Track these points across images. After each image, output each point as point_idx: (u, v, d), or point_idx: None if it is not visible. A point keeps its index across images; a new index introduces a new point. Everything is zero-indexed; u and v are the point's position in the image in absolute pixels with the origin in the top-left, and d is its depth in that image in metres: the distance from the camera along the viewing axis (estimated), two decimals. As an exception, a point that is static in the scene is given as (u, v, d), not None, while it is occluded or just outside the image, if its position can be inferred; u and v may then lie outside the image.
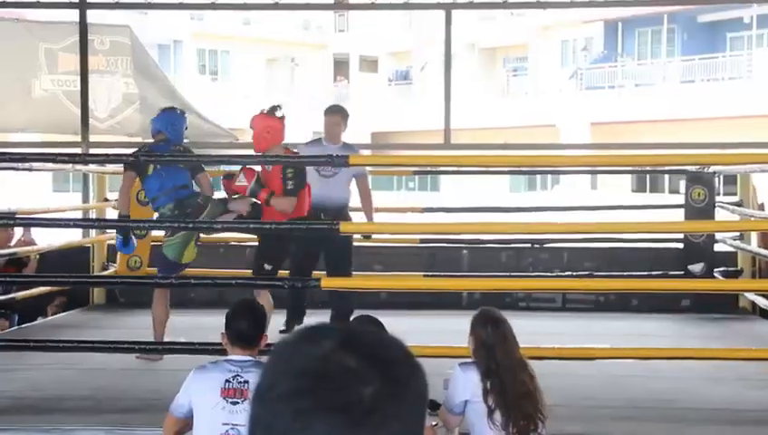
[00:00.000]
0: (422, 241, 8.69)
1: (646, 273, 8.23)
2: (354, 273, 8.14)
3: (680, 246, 8.58)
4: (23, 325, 7.88)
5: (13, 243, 8.31)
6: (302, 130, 30.68)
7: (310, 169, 7.03)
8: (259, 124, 6.38)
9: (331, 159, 5.44)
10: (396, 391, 1.05)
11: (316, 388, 1.03)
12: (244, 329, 3.56)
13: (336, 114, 7.22)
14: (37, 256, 8.13)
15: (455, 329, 5.16)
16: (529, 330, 4.91)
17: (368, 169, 7.50)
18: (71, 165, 7.97)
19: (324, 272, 6.95)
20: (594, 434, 4.94)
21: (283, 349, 1.09)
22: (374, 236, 7.83)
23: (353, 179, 7.18)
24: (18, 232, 8.43)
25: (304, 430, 1.01)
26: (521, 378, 3.75)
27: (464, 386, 3.81)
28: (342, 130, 7.17)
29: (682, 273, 8.26)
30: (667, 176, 21.95)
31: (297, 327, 1.13)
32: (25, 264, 8.19)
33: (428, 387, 1.11)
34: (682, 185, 8.85)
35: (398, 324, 3.67)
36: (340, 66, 37.54)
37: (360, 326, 1.14)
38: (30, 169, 8.32)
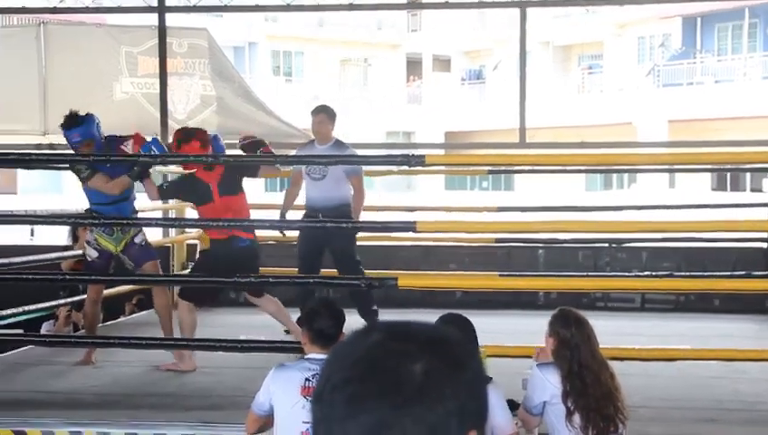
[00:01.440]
0: (497, 240, 8.64)
1: (728, 273, 8.07)
2: (430, 272, 8.16)
3: (764, 245, 8.39)
4: (106, 323, 8.05)
5: None
6: (374, 130, 30.84)
7: (302, 173, 7.04)
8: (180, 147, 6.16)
9: (408, 158, 5.40)
10: (448, 368, 1.05)
11: (366, 373, 1.03)
12: (326, 328, 3.58)
13: (320, 113, 7.11)
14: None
15: (531, 329, 5.13)
16: (607, 330, 4.86)
17: (442, 167, 7.44)
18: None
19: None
20: (676, 436, 4.86)
21: (339, 347, 1.11)
22: (449, 235, 7.80)
23: (347, 178, 7.07)
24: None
25: (359, 417, 1.02)
26: (603, 378, 3.71)
27: (542, 387, 3.78)
28: (330, 129, 7.07)
29: (766, 273, 8.08)
30: (748, 174, 21.48)
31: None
32: None
33: (484, 370, 1.11)
34: (765, 183, 8.64)
35: (474, 324, 3.67)
36: (414, 66, 37.54)
37: (413, 321, 1.14)
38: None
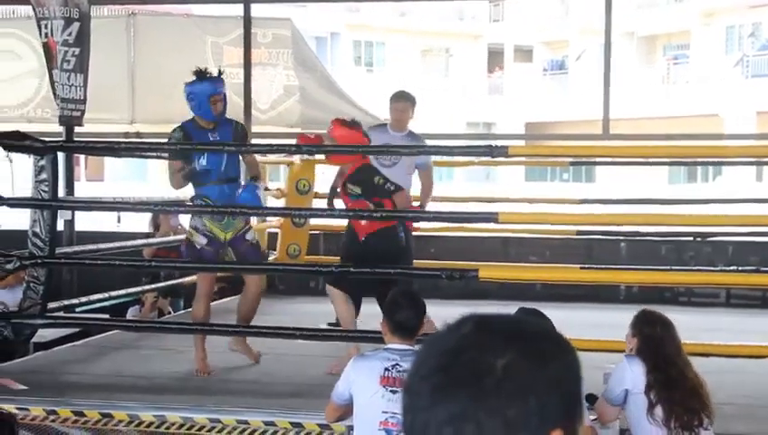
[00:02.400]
0: (579, 233, 8.55)
1: (817, 269, 7.85)
2: (511, 264, 8.13)
3: None
4: (189, 309, 8.19)
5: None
6: (455, 120, 30.73)
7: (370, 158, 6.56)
8: (343, 137, 5.72)
9: (491, 149, 5.37)
10: (531, 364, 1.03)
11: (450, 364, 1.04)
12: (407, 319, 3.59)
13: (404, 100, 6.85)
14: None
15: (612, 322, 5.08)
16: (691, 325, 4.79)
17: (524, 158, 7.32)
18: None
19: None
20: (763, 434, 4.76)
21: (430, 338, 1.11)
22: (529, 226, 7.73)
23: (415, 170, 6.89)
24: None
25: (440, 406, 1.02)
26: (689, 374, 3.67)
27: (627, 376, 3.76)
28: (410, 118, 6.85)
29: None
30: (839, 167, 20.86)
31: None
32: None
33: (579, 367, 1.07)
34: None
35: (553, 317, 3.64)
36: (495, 56, 37.30)
37: (504, 314, 1.13)
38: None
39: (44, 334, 6.51)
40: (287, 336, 5.79)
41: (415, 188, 7.21)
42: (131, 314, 8.29)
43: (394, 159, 6.69)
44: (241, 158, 6.13)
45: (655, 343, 3.73)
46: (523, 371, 1.02)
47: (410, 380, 1.07)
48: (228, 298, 8.22)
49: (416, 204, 7.12)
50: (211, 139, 5.81)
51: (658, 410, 3.65)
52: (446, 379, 1.03)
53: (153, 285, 8.08)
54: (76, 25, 7.35)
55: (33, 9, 7.45)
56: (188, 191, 6.24)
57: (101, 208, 7.13)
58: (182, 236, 8.18)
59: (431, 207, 7.25)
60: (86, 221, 8.97)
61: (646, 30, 33.11)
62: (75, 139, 7.60)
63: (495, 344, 1.04)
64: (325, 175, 8.56)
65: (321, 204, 7.68)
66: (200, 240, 5.87)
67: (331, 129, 5.80)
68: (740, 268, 7.94)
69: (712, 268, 8.05)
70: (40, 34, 7.47)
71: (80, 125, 7.76)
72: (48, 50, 7.37)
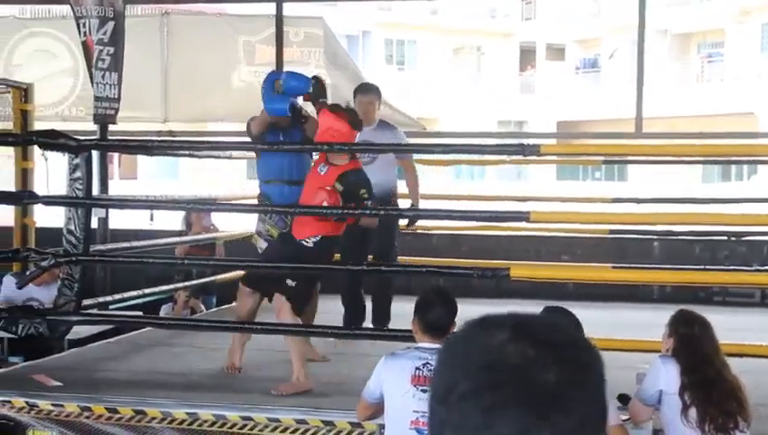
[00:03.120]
0: (611, 232, 8.49)
1: None
2: (542, 263, 8.09)
3: None
4: (221, 307, 8.24)
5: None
6: (486, 119, 30.65)
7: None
8: (323, 123, 5.39)
9: (523, 148, 5.33)
10: (578, 374, 1.03)
11: (500, 382, 1.01)
12: (438, 318, 3.58)
13: (372, 93, 6.61)
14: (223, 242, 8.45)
15: (645, 322, 5.05)
16: (726, 325, 4.73)
17: (556, 156, 7.16)
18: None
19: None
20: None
21: (456, 344, 1.07)
22: (560, 225, 7.70)
23: (396, 161, 6.67)
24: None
25: (495, 427, 0.99)
26: (727, 377, 3.64)
27: (662, 377, 3.72)
28: (376, 110, 6.60)
29: None
30: None
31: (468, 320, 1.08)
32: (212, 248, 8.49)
33: (604, 367, 1.07)
34: None
35: (585, 317, 3.61)
36: (527, 54, 37.17)
37: (529, 314, 1.11)
38: (230, 157, 8.69)
39: (79, 331, 6.56)
40: (319, 334, 5.80)
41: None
42: (164, 311, 8.35)
43: (372, 155, 6.38)
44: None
45: (692, 344, 3.69)
46: (572, 384, 1.02)
47: (445, 394, 1.03)
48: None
49: (403, 202, 6.98)
50: (281, 138, 5.80)
51: (693, 412, 3.61)
52: (498, 398, 1.00)
53: (186, 283, 8.14)
54: (111, 24, 7.41)
55: (72, 8, 7.52)
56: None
57: (135, 207, 7.17)
58: (214, 235, 8.28)
59: (462, 205, 7.22)
60: (119, 219, 9.04)
61: (680, 28, 32.85)
62: (109, 137, 7.65)
63: (542, 358, 1.02)
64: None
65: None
66: (261, 244, 5.91)
67: (320, 113, 5.55)
68: (775, 268, 7.88)
69: (747, 268, 7.97)
70: (79, 33, 7.54)
71: (113, 123, 7.82)
72: (87, 48, 7.43)
